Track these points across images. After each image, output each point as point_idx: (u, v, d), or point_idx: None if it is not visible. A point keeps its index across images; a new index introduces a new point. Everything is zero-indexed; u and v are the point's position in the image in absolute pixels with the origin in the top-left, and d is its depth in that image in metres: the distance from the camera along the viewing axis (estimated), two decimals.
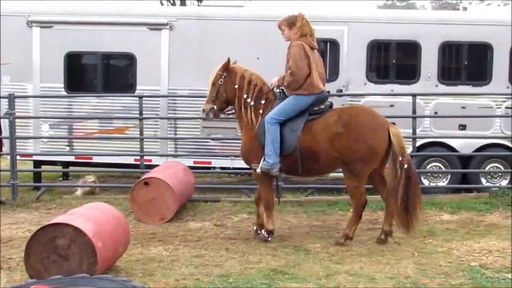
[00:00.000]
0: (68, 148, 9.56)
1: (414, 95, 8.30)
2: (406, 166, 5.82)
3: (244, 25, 9.21)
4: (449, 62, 9.16)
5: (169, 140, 9.36)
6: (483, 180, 9.17)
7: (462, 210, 7.51)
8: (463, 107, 8.95)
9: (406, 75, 9.22)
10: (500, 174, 9.14)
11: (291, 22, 6.09)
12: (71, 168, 10.10)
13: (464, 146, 9.05)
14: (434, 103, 9.04)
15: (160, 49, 9.27)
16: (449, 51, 9.14)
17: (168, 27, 9.26)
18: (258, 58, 8.67)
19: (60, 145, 9.57)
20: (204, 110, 6.36)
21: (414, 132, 8.29)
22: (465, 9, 17.34)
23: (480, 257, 5.58)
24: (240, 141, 6.50)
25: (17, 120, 8.53)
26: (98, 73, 9.59)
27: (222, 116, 6.50)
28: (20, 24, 9.33)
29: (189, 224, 7.00)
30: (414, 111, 8.23)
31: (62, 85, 9.37)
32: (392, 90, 9.03)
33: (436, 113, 9.01)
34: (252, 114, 6.17)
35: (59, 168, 10.20)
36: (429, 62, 9.10)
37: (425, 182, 9.13)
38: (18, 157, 8.76)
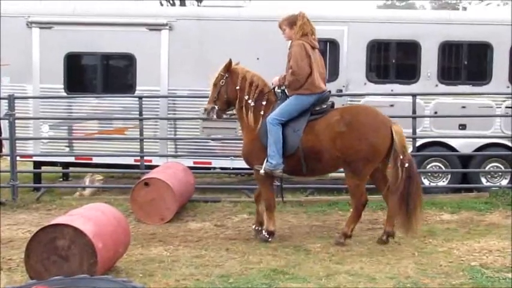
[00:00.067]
0: (67, 149, 9.55)
1: (414, 95, 8.30)
2: (407, 165, 5.82)
3: (243, 25, 9.20)
4: (449, 62, 9.16)
5: (169, 141, 9.36)
6: (483, 180, 9.17)
7: (462, 210, 7.51)
8: (463, 107, 8.94)
9: (406, 75, 9.21)
10: (500, 173, 9.13)
11: (291, 21, 6.09)
12: (71, 169, 10.10)
13: (464, 145, 9.04)
14: (434, 103, 9.04)
15: (160, 49, 9.26)
16: (449, 51, 9.13)
17: (167, 27, 9.25)
18: (257, 58, 8.66)
19: (60, 146, 9.57)
20: (205, 109, 6.37)
21: (414, 132, 8.29)
22: (465, 9, 17.38)
23: (480, 257, 5.58)
24: (240, 141, 6.50)
25: (16, 121, 8.53)
26: (97, 74, 9.58)
27: (224, 116, 6.51)
28: (20, 25, 9.32)
29: (189, 225, 7.00)
30: (414, 111, 8.23)
31: (62, 86, 9.36)
32: (392, 90, 9.03)
33: (436, 112, 9.00)
34: (253, 115, 6.17)
35: (59, 169, 10.18)
36: (429, 62, 9.09)
37: (426, 182, 9.12)
38: (18, 158, 8.76)
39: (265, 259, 5.54)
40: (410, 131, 8.17)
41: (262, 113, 6.15)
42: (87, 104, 9.41)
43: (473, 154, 9.04)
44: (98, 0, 11.93)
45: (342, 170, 6.23)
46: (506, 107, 8.98)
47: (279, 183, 6.71)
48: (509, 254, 5.63)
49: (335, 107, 6.31)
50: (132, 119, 9.06)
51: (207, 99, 6.41)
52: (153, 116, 9.23)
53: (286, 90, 6.14)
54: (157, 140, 9.34)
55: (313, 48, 6.03)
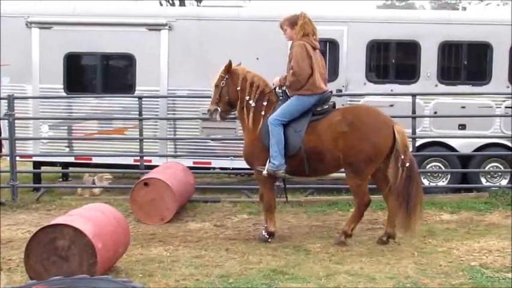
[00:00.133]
0: (67, 149, 9.55)
1: (414, 95, 8.31)
2: (408, 165, 5.82)
3: (243, 25, 9.20)
4: (448, 62, 9.16)
5: (168, 141, 9.36)
6: (483, 180, 9.16)
7: (462, 210, 7.52)
8: (463, 107, 8.94)
9: (405, 75, 9.21)
10: (500, 173, 9.13)
11: (293, 21, 6.08)
12: (71, 169, 10.09)
13: (464, 145, 9.04)
14: (434, 103, 9.03)
15: (160, 50, 9.26)
16: (449, 51, 9.13)
17: (167, 27, 9.25)
18: (257, 58, 8.66)
19: (59, 146, 9.57)
20: (208, 110, 6.37)
21: (414, 132, 8.29)
22: (464, 9, 17.39)
23: (480, 257, 5.58)
24: (240, 141, 6.50)
25: (16, 121, 8.53)
26: (97, 74, 9.59)
27: (227, 117, 6.51)
28: (20, 25, 9.31)
29: (189, 225, 7.00)
30: (414, 111, 8.23)
31: (62, 86, 9.36)
32: (392, 90, 9.03)
33: (435, 112, 9.00)
34: (254, 115, 6.17)
35: (58, 169, 10.18)
36: (429, 62, 9.09)
37: (425, 182, 9.12)
38: (17, 158, 8.76)
39: (265, 259, 5.54)
40: (410, 131, 8.16)
41: (263, 113, 6.15)
42: (87, 104, 9.41)
43: (473, 154, 9.04)
44: (98, 0, 11.93)
45: (342, 170, 6.23)
46: (506, 107, 8.98)
47: (280, 184, 6.69)
48: (509, 254, 5.63)
49: (336, 107, 6.31)
50: (131, 119, 9.06)
51: (207, 99, 6.42)
52: (152, 116, 9.23)
53: (287, 91, 6.14)
54: (157, 140, 9.34)
55: (314, 48, 6.02)
